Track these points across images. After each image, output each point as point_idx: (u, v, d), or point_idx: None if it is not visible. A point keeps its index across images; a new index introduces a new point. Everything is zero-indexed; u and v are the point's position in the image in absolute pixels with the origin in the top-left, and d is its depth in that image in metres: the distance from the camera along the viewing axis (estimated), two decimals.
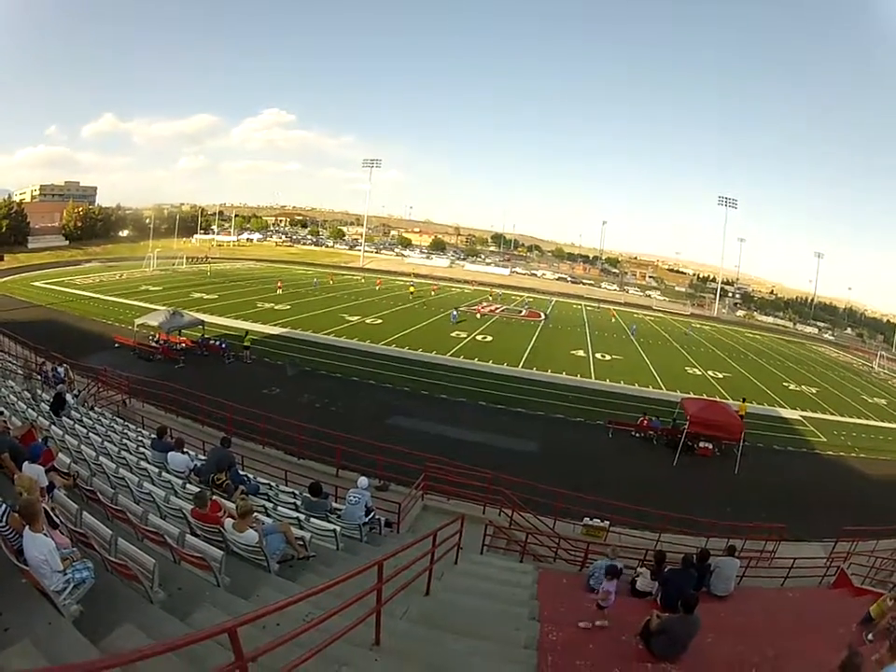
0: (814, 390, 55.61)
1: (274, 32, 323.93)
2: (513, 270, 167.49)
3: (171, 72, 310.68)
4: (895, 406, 56.51)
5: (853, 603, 14.39)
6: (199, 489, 11.77)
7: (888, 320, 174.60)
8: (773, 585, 16.58)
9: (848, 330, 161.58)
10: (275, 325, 52.12)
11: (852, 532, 20.09)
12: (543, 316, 77.33)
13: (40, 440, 11.93)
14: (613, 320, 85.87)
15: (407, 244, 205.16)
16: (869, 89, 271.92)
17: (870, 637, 10.36)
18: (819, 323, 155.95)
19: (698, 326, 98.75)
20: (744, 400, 39.46)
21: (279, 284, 76.80)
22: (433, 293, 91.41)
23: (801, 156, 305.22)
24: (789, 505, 24.83)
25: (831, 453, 35.23)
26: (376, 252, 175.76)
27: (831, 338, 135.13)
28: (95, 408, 23.94)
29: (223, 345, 40.28)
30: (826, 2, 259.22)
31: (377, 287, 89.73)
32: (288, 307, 62.76)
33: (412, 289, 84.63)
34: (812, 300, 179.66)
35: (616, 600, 11.09)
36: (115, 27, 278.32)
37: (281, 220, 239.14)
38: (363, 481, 15.12)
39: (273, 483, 16.67)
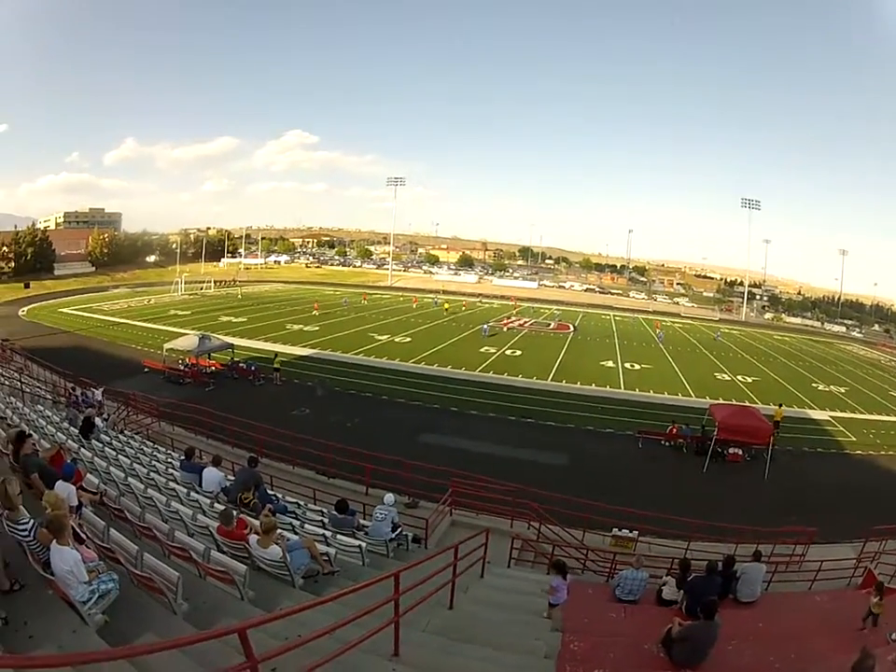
0: (843, 389, 54.92)
1: (292, 53, 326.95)
2: (541, 283, 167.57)
3: (192, 96, 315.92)
4: None
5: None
6: (225, 507, 11.93)
7: None
8: (801, 589, 16.43)
9: (876, 327, 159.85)
10: (305, 346, 52.58)
11: (882, 531, 19.91)
12: (572, 328, 77.12)
13: (69, 461, 12.16)
14: (659, 331, 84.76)
15: (434, 261, 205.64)
16: (889, 85, 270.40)
17: (893, 636, 10.35)
18: (846, 321, 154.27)
19: (727, 331, 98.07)
20: (781, 406, 38.97)
21: (315, 306, 77.87)
22: (516, 308, 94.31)
23: (821, 154, 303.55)
24: (819, 507, 24.57)
25: (860, 452, 34.85)
26: (404, 270, 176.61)
27: (859, 335, 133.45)
28: (125, 431, 24.20)
29: (252, 368, 40.67)
30: (843, 5, 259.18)
31: (413, 306, 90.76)
32: (318, 328, 63.29)
33: (446, 306, 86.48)
34: (839, 298, 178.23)
35: (569, 598, 11.41)
36: (134, 52, 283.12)
37: (308, 241, 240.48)
38: (389, 497, 15.31)
39: (301, 503, 16.80)
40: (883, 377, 68.70)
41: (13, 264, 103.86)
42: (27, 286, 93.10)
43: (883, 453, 35.11)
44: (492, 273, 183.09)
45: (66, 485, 9.68)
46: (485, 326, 66.96)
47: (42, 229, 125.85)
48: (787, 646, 10.49)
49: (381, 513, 14.49)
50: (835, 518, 22.79)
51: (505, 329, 71.41)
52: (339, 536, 12.91)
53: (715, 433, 29.62)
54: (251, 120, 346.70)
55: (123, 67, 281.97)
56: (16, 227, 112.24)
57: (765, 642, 10.88)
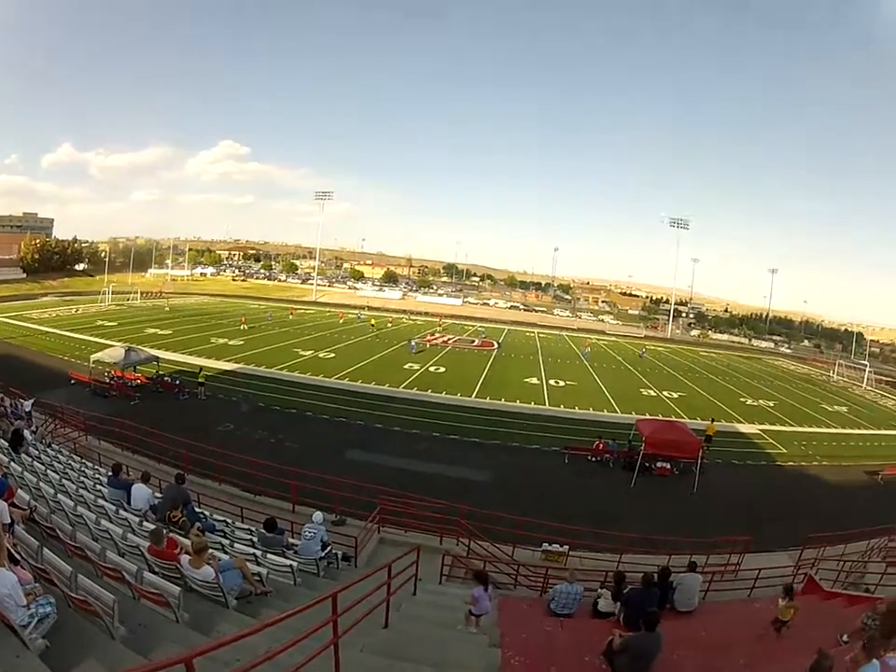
0: (772, 403, 56.92)
1: (228, 62, 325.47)
2: (466, 300, 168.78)
3: (128, 99, 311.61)
4: (855, 412, 58.77)
5: (823, 607, 14.80)
6: (155, 526, 11.78)
7: (845, 329, 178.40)
8: (740, 597, 16.91)
9: (805, 342, 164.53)
10: (229, 360, 51.88)
11: (818, 538, 20.60)
12: (496, 345, 77.40)
13: (0, 476, 11.91)
14: (589, 349, 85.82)
15: (359, 276, 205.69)
16: (815, 108, 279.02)
17: (845, 637, 10.62)
18: (774, 337, 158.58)
19: (652, 347, 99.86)
20: (713, 421, 40.28)
21: (243, 319, 77.25)
22: (441, 325, 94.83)
23: (750, 175, 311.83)
24: (751, 518, 25.28)
25: (792, 463, 36.14)
26: (329, 285, 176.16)
27: (788, 351, 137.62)
28: (53, 445, 23.67)
29: (177, 382, 40.07)
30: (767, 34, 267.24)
31: (340, 321, 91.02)
32: (242, 342, 62.75)
33: (373, 322, 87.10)
34: (767, 315, 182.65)
35: (489, 606, 11.64)
36: (74, 53, 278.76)
37: (234, 254, 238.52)
38: (318, 516, 15.23)
39: (229, 520, 16.61)
40: (814, 391, 72.09)
41: None
42: None
43: (815, 463, 36.63)
44: (416, 290, 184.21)
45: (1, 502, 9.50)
46: (413, 342, 67.44)
47: None
48: (733, 652, 10.81)
49: (310, 532, 14.44)
50: (769, 528, 23.77)
51: (428, 345, 71.77)
52: (269, 555, 12.81)
53: (642, 448, 30.06)
54: (185, 129, 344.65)
55: (64, 69, 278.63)
56: None
57: (710, 650, 11.20)
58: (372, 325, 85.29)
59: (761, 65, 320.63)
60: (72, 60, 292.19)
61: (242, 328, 73.03)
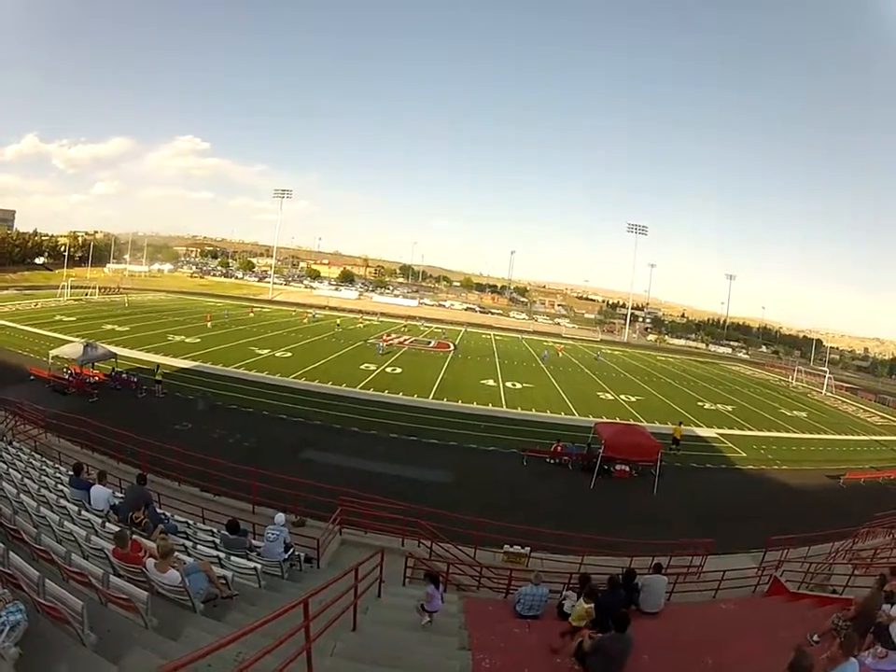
0: (730, 408, 58.30)
1: (189, 53, 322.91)
2: (422, 301, 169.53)
3: (92, 90, 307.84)
4: (815, 417, 60.45)
5: (790, 608, 15.07)
6: (118, 528, 11.65)
7: (803, 336, 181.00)
8: (705, 599, 17.17)
9: (763, 348, 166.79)
10: (186, 358, 51.45)
11: (781, 541, 21.02)
12: (452, 347, 78.16)
13: None
14: (561, 354, 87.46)
15: (316, 275, 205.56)
16: (773, 113, 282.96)
17: (815, 637, 10.79)
18: (732, 343, 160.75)
19: (609, 351, 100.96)
20: (679, 424, 40.84)
21: (208, 318, 77.64)
22: (406, 327, 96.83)
23: (708, 180, 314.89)
24: (711, 520, 25.98)
25: (752, 467, 36.89)
26: (285, 284, 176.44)
27: (745, 356, 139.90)
28: (14, 443, 23.33)
29: (135, 379, 39.58)
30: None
31: (305, 321, 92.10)
32: (199, 340, 62.28)
33: (338, 321, 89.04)
34: (725, 321, 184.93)
35: (441, 605, 11.94)
36: (40, 37, 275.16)
37: (192, 251, 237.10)
38: (280, 517, 15.14)
39: (190, 522, 16.44)
40: (773, 396, 73.96)
41: None
42: None
43: (775, 467, 37.51)
44: (373, 290, 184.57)
45: None
46: (380, 343, 68.61)
47: None
48: (702, 653, 10.93)
49: (272, 534, 14.35)
50: (730, 530, 24.17)
51: (384, 344, 71.49)
52: (233, 557, 12.73)
53: (601, 450, 30.26)
54: (146, 122, 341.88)
55: (30, 57, 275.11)
56: None
57: (680, 651, 11.37)
58: (338, 324, 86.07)
59: (717, 67, 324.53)
60: (38, 47, 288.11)
61: (207, 325, 73.10)
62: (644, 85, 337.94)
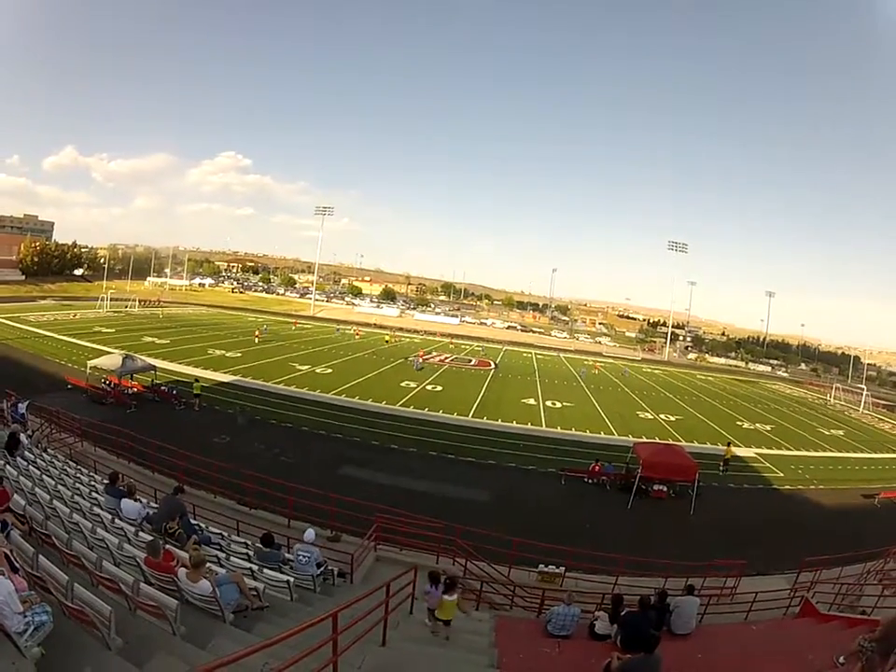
0: (769, 427, 57.10)
1: (234, 72, 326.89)
2: (463, 319, 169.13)
3: (133, 105, 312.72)
4: (852, 436, 58.88)
5: (819, 630, 14.70)
6: (151, 538, 11.65)
7: (842, 352, 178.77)
8: (736, 621, 16.77)
9: (802, 366, 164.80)
10: (226, 372, 51.65)
11: (814, 562, 20.52)
12: (493, 365, 77.39)
13: None
14: (596, 372, 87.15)
15: (357, 292, 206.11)
16: (815, 131, 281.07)
17: (841, 659, 10.53)
18: (772, 361, 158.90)
19: (648, 370, 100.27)
20: (729, 444, 40.14)
21: (257, 333, 78.46)
22: (452, 345, 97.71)
23: (748, 199, 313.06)
24: (748, 541, 25.27)
25: (788, 487, 35.99)
26: (326, 300, 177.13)
27: (784, 374, 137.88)
28: (48, 450, 23.49)
29: (174, 392, 39.88)
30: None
31: (357, 338, 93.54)
32: (239, 355, 62.46)
33: (387, 338, 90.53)
34: (764, 338, 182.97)
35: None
36: (82, 54, 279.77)
37: (233, 266, 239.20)
38: (310, 533, 15.09)
39: (224, 533, 16.49)
40: (811, 414, 72.34)
41: None
42: None
43: (813, 487, 36.44)
44: (414, 308, 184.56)
45: None
46: (418, 360, 68.57)
47: None
48: None
49: (303, 556, 14.29)
50: (765, 551, 23.75)
51: (421, 360, 71.23)
52: (266, 570, 12.68)
53: (639, 470, 29.93)
54: (188, 138, 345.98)
55: (71, 70, 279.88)
56: None
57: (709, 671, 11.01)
58: (386, 341, 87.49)
59: (760, 87, 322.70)
60: (78, 62, 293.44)
61: (255, 340, 74.04)
62: (687, 101, 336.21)
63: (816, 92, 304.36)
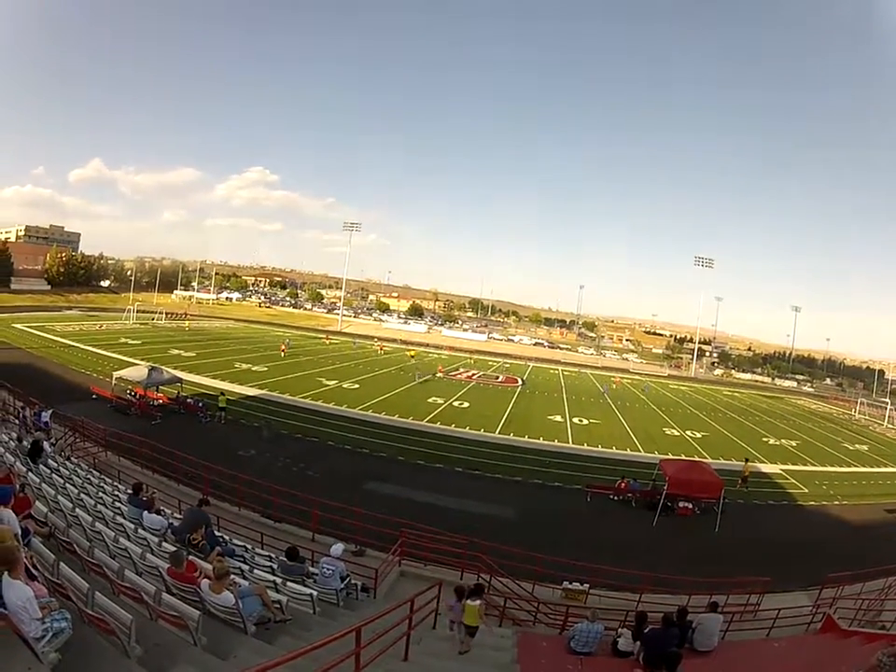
0: (794, 443, 56.60)
1: (262, 89, 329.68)
2: (490, 335, 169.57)
3: (160, 120, 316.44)
4: (877, 451, 58.52)
5: (840, 645, 14.49)
6: (175, 548, 11.63)
7: (867, 367, 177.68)
8: (758, 637, 16.53)
9: (828, 381, 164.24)
10: (252, 386, 51.82)
11: (836, 578, 20.32)
12: (520, 382, 77.31)
13: (18, 486, 11.76)
14: (615, 387, 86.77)
15: (385, 308, 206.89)
16: (840, 146, 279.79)
17: None
18: (797, 376, 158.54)
19: (675, 386, 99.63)
20: (747, 461, 40.00)
21: (283, 347, 78.55)
22: (472, 360, 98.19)
23: (774, 215, 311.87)
24: (771, 557, 24.91)
25: (813, 503, 35.54)
26: (354, 316, 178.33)
27: (810, 390, 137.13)
28: (72, 458, 23.61)
29: (200, 404, 40.11)
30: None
31: (380, 352, 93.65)
32: (266, 369, 62.67)
33: (412, 353, 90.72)
34: (790, 353, 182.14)
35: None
36: (110, 69, 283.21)
37: (261, 280, 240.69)
38: (337, 548, 14.95)
39: (248, 546, 16.42)
40: (836, 430, 71.97)
41: None
42: None
43: (836, 503, 35.99)
44: (441, 324, 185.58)
45: (5, 511, 9.33)
46: (418, 372, 69.42)
47: (3, 240, 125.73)
48: None
49: (328, 569, 14.16)
50: (789, 567, 23.47)
51: (442, 374, 72.30)
52: (289, 583, 12.61)
53: (665, 488, 29.71)
54: (216, 152, 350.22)
55: (98, 83, 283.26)
56: None
57: None
58: (412, 357, 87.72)
59: (784, 102, 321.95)
60: (104, 75, 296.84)
61: (281, 354, 74.21)
62: (712, 119, 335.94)
63: (848, 109, 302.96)
